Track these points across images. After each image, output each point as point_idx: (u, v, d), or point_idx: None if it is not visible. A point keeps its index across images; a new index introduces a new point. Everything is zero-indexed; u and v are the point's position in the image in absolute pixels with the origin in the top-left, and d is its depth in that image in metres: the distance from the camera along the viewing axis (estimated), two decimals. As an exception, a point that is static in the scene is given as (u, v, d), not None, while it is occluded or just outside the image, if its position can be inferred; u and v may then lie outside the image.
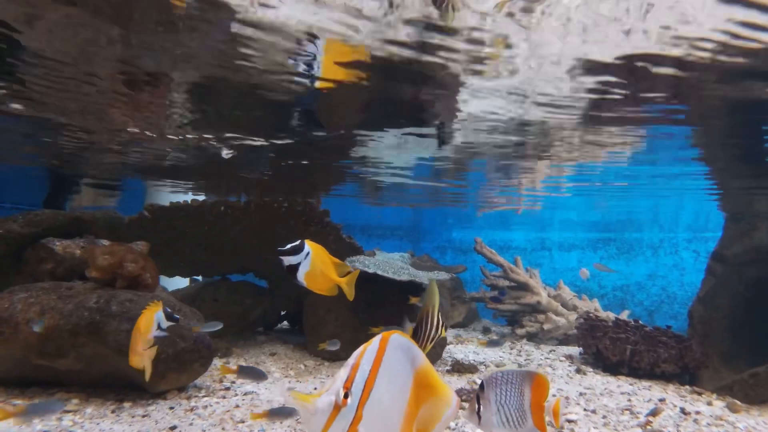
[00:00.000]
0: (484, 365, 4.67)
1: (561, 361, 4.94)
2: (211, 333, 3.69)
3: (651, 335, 4.55)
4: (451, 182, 7.76)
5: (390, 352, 1.29)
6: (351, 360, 1.27)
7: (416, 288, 4.46)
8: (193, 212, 4.44)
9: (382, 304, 4.55)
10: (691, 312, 4.69)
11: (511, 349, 5.54)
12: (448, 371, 4.35)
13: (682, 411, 3.22)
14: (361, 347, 1.29)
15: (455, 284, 7.61)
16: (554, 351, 5.40)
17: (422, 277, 4.58)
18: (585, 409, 3.32)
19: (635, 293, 8.83)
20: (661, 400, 3.51)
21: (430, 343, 2.53)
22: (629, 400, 3.53)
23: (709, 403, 3.66)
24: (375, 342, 1.30)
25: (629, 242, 9.13)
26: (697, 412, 3.21)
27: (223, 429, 2.72)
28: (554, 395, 3.67)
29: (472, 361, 4.79)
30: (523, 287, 6.25)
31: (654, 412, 3.16)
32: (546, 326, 5.82)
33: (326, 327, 4.64)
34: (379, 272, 4.25)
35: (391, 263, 4.70)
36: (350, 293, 2.32)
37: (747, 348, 4.63)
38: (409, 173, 6.51)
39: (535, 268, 7.08)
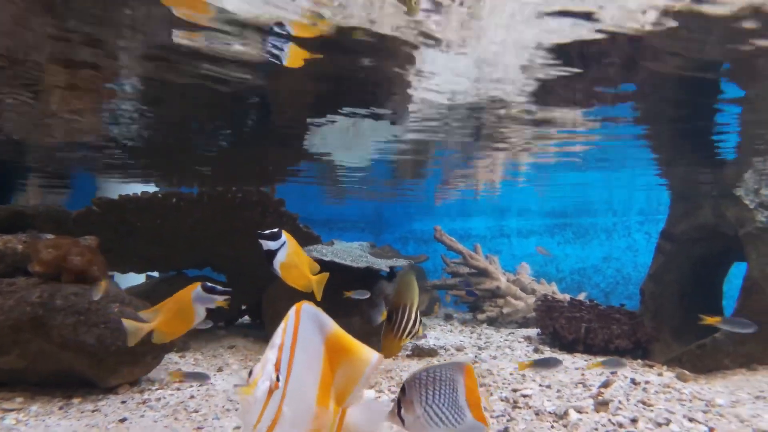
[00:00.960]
0: (444, 349, 4.71)
1: (519, 342, 5.03)
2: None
3: (605, 313, 4.68)
4: (410, 184, 7.81)
5: (302, 324, 1.30)
6: (276, 339, 1.27)
7: (374, 274, 4.47)
8: (144, 205, 4.32)
9: (342, 293, 4.54)
10: (643, 289, 4.84)
11: (472, 333, 5.61)
12: (408, 356, 4.37)
13: (633, 382, 3.32)
14: (282, 324, 1.29)
15: (417, 273, 7.65)
16: (513, 333, 5.50)
17: (380, 264, 4.59)
18: (540, 385, 3.39)
19: (592, 276, 9.10)
20: (613, 373, 3.61)
21: (407, 337, 2.43)
22: (582, 375, 3.62)
23: (660, 374, 3.79)
24: (291, 316, 1.29)
25: (585, 227, 9.38)
26: (647, 382, 3.31)
27: (176, 419, 2.66)
28: (512, 373, 3.74)
29: (432, 346, 4.83)
30: (483, 273, 6.34)
31: (605, 384, 3.25)
32: (505, 310, 5.91)
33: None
34: (336, 259, 4.23)
35: (349, 251, 4.69)
36: (319, 293, 2.30)
37: (696, 322, 4.81)
38: (367, 165, 6.51)
39: (494, 254, 7.20)
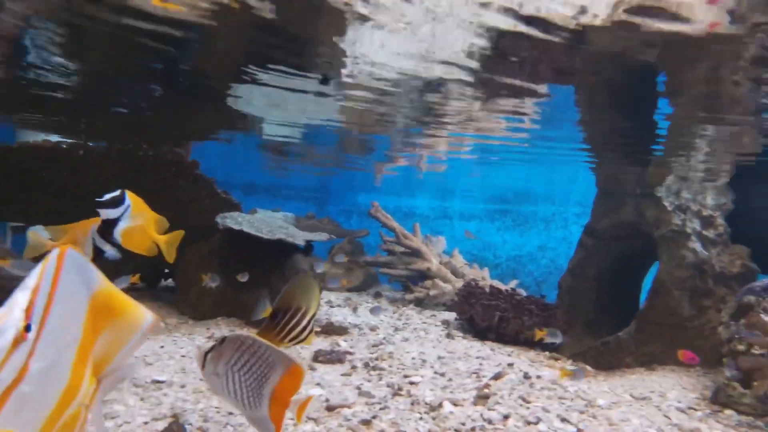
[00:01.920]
0: (359, 328, 4.64)
1: (436, 326, 5.00)
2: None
3: (521, 303, 4.66)
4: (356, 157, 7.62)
5: (65, 272, 1.08)
6: (30, 281, 1.04)
7: (288, 247, 4.33)
8: (46, 155, 4.05)
9: (254, 265, 4.39)
10: (561, 282, 4.85)
11: (394, 313, 5.56)
12: (316, 332, 4.28)
13: (525, 375, 3.30)
14: (39, 266, 1.06)
15: (355, 248, 7.55)
16: (435, 316, 5.47)
17: (300, 237, 4.45)
18: (435, 372, 3.34)
19: (527, 264, 9.18)
20: (510, 365, 3.59)
21: (290, 342, 2.20)
22: (481, 364, 3.59)
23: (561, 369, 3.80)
24: (52, 260, 1.08)
25: (524, 215, 9.44)
26: (538, 377, 3.30)
27: None
28: (414, 358, 3.68)
29: (348, 323, 4.75)
30: (416, 254, 6.27)
31: (497, 376, 3.22)
32: (432, 292, 5.88)
33: (196, 286, 4.45)
34: (247, 229, 4.07)
35: (269, 222, 4.53)
36: (170, 254, 2.12)
37: (610, 318, 4.85)
38: (300, 131, 6.31)
39: (435, 236, 7.14)
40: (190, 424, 2.22)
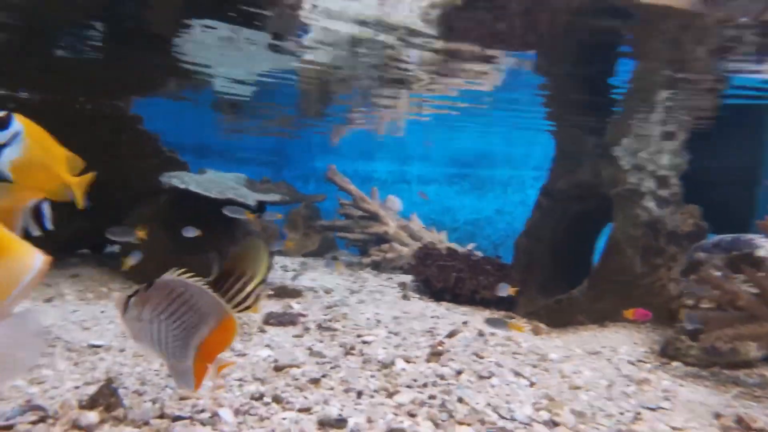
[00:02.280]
0: (314, 291, 4.53)
1: (393, 288, 4.95)
2: None
3: (477, 263, 4.65)
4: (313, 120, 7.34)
5: None
6: None
7: (236, 208, 4.14)
8: (-33, 108, 3.70)
9: (202, 228, 4.20)
10: (517, 243, 4.84)
11: (350, 276, 5.48)
12: (269, 295, 4.15)
13: (479, 333, 3.27)
14: None
15: (312, 213, 7.39)
16: (391, 278, 5.42)
17: (251, 197, 4.26)
18: (390, 332, 3.28)
19: (484, 227, 9.23)
20: (464, 323, 3.57)
21: (235, 309, 2.00)
22: (435, 323, 3.55)
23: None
24: None
25: (482, 179, 9.44)
26: (492, 334, 3.28)
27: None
28: (369, 319, 3.61)
29: (302, 286, 4.64)
30: (373, 217, 6.17)
31: (451, 334, 3.18)
32: (389, 255, 5.81)
33: (141, 249, 4.23)
34: (197, 189, 3.87)
35: (219, 182, 4.32)
36: (80, 199, 1.92)
37: (565, 278, 4.89)
38: (253, 89, 6.04)
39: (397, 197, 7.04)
40: (126, 387, 2.08)
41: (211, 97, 6.70)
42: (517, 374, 2.55)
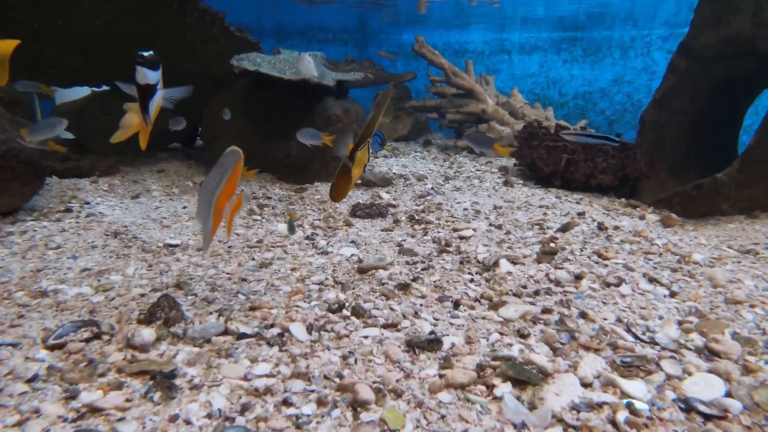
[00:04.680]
0: (405, 178, 4.15)
1: (492, 173, 4.44)
2: (100, 148, 3.69)
3: (592, 144, 3.96)
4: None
5: None
6: None
7: (317, 90, 3.73)
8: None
9: (283, 112, 3.86)
10: (643, 116, 4.06)
11: (445, 161, 5.01)
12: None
13: (599, 226, 2.75)
14: None
15: (401, 93, 6.84)
16: (491, 163, 4.88)
17: (329, 77, 3.82)
18: (491, 224, 2.85)
19: (598, 101, 8.03)
20: (580, 214, 3.04)
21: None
22: (545, 214, 3.06)
23: (642, 217, 3.22)
24: None
25: (597, 42, 8.03)
26: (616, 228, 2.75)
27: (23, 258, 2.21)
28: (466, 209, 3.20)
29: (393, 174, 4.27)
30: (469, 94, 5.52)
31: (565, 227, 2.69)
32: (489, 136, 5.22)
33: (222, 139, 4.01)
34: (270, 71, 3.48)
35: (293, 62, 3.89)
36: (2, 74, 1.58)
37: (702, 159, 4.10)
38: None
39: (491, 74, 6.26)
40: (195, 293, 1.87)
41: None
42: (653, 280, 2.06)
